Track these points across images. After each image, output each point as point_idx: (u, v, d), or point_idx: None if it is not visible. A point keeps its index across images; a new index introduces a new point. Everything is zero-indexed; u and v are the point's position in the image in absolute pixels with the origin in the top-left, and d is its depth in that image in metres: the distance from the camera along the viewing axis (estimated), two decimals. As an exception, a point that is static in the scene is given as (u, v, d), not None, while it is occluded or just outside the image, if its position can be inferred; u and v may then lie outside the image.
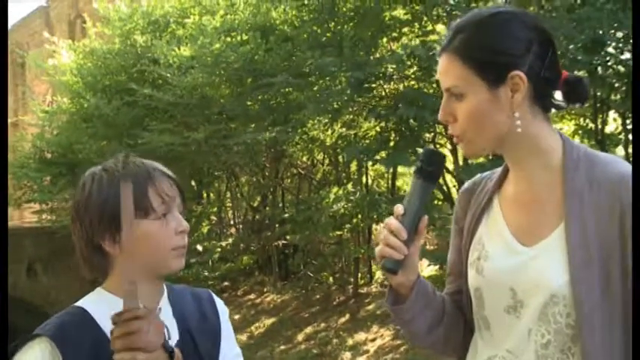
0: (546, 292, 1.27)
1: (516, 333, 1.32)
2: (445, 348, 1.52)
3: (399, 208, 1.37)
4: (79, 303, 1.44)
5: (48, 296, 14.90)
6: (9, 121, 19.67)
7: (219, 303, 1.62)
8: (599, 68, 6.40)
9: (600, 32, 5.83)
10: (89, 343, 1.35)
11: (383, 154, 8.15)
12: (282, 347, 9.31)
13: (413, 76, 8.28)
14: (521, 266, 1.32)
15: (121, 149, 11.06)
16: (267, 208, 13.08)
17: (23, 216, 18.75)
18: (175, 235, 1.42)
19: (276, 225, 12.55)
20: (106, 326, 1.33)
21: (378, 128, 8.90)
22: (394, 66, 7.74)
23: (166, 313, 1.47)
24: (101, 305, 1.40)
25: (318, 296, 10.90)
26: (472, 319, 1.46)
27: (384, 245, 1.34)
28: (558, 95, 1.38)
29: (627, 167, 1.30)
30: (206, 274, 10.96)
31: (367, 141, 9.08)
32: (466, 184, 1.56)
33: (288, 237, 11.71)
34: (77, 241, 1.44)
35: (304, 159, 12.18)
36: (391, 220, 1.36)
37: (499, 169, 1.48)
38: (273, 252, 12.36)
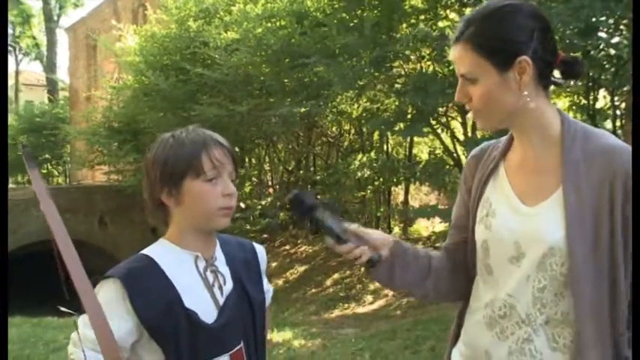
0: (545, 245, 1.29)
1: (516, 279, 1.34)
2: (437, 297, 1.57)
3: (329, 242, 1.43)
4: (145, 251, 1.44)
5: (115, 243, 15.17)
6: (83, 95, 19.87)
7: (260, 251, 1.62)
8: (592, 51, 6.28)
9: (593, 19, 5.73)
10: (154, 285, 1.35)
11: (401, 125, 8.08)
12: (313, 290, 9.37)
13: (428, 57, 8.12)
14: (524, 223, 1.34)
15: (175, 120, 11.20)
16: (301, 172, 13.12)
17: (95, 176, 19.04)
18: (222, 196, 1.42)
19: (309, 186, 12.54)
20: (169, 271, 1.37)
21: (397, 102, 8.76)
22: (408, 46, 7.63)
23: (221, 261, 1.49)
24: (164, 253, 1.41)
25: (343, 248, 10.90)
26: (471, 267, 1.49)
27: (353, 259, 1.42)
28: (556, 73, 1.39)
29: (617, 141, 1.33)
30: (248, 227, 10.98)
31: (387, 114, 8.96)
32: (474, 151, 1.57)
33: (318, 197, 11.71)
34: (144, 191, 1.46)
35: (333, 129, 12.10)
36: (337, 249, 1.43)
37: (504, 139, 1.49)
38: (306, 209, 12.35)
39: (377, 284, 8.62)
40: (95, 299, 1.14)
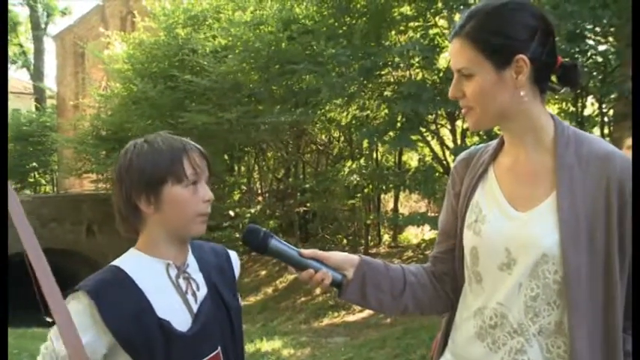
0: (538, 252, 1.25)
1: (507, 287, 1.30)
2: (418, 310, 1.49)
3: (293, 271, 1.42)
4: (115, 262, 1.41)
5: (103, 252, 14.99)
6: (71, 103, 19.74)
7: (234, 257, 1.59)
8: (580, 58, 6.31)
9: (581, 26, 5.76)
10: (124, 297, 1.32)
11: (391, 134, 8.08)
12: (303, 299, 9.30)
13: (417, 64, 8.12)
14: (516, 229, 1.30)
15: (164, 127, 11.10)
16: (290, 179, 13.07)
17: (83, 184, 18.88)
18: (202, 202, 1.40)
19: (298, 194, 12.54)
20: (140, 281, 1.34)
21: (386, 110, 8.75)
22: (399, 58, 7.65)
23: (193, 268, 1.45)
24: (134, 263, 1.38)
25: (334, 256, 10.85)
26: (458, 277, 1.44)
27: (319, 286, 1.42)
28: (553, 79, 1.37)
29: (611, 146, 1.31)
30: (237, 235, 10.92)
31: (377, 122, 8.95)
32: (462, 154, 1.53)
33: (308, 204, 11.73)
34: (117, 200, 1.42)
35: (322, 137, 12.08)
36: (301, 278, 1.41)
37: (494, 142, 1.45)
38: (295, 217, 12.36)
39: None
40: (66, 312, 1.11)
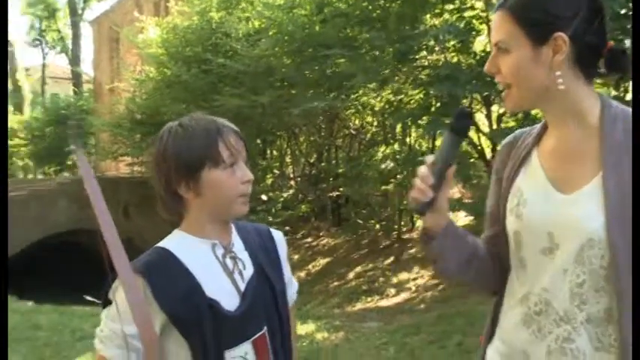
0: (583, 236, 1.20)
1: (551, 273, 1.25)
2: (475, 286, 1.50)
3: (429, 158, 1.33)
4: (161, 244, 1.41)
5: (140, 234, 15.18)
6: (107, 87, 19.96)
7: (277, 237, 1.58)
8: (623, 39, 6.07)
9: (626, 5, 5.53)
10: (174, 277, 1.32)
11: (425, 119, 7.93)
12: (336, 283, 9.27)
13: (452, 48, 7.94)
14: (559, 212, 1.24)
15: (197, 111, 11.03)
16: (323, 164, 13.04)
17: (119, 167, 19.13)
18: (241, 184, 1.39)
19: (330, 179, 12.52)
20: (187, 262, 1.34)
21: (421, 95, 8.59)
22: (434, 41, 7.48)
23: (239, 248, 1.45)
24: (180, 244, 1.38)
25: (366, 240, 10.81)
26: (508, 260, 1.39)
27: (414, 189, 1.32)
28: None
29: None
30: (270, 219, 10.91)
31: (412, 106, 8.79)
32: (507, 138, 1.47)
33: (340, 189, 11.67)
34: (157, 187, 1.42)
35: (355, 121, 11.95)
36: (421, 168, 1.32)
37: (538, 126, 1.40)
38: (328, 202, 12.34)
39: (400, 277, 8.52)
40: (138, 291, 1.17)
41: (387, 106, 9.87)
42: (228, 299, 1.37)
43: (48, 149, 22.91)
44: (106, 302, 1.37)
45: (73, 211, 14.75)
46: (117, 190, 15.44)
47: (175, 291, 1.30)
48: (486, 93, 7.39)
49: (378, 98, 9.58)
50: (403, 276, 8.57)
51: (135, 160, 15.39)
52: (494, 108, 8.16)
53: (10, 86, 32.27)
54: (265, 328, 1.42)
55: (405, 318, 6.59)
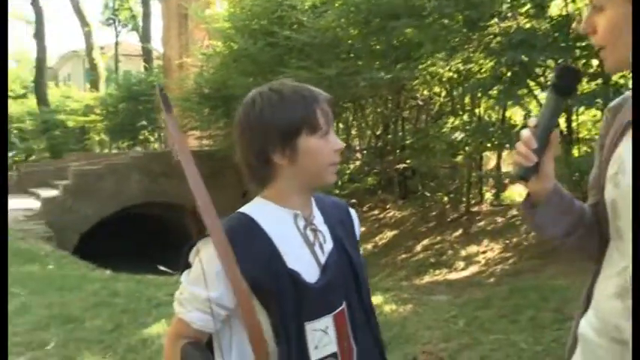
0: None
1: None
2: (580, 255, 1.43)
3: (532, 121, 1.28)
4: (243, 210, 1.39)
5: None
6: (176, 63, 20.30)
7: (353, 212, 1.57)
8: None
9: None
10: (255, 244, 1.31)
11: (496, 89, 7.67)
12: (403, 256, 9.20)
13: (526, 13, 7.59)
14: None
15: (264, 84, 11.07)
16: (389, 136, 12.86)
17: (188, 141, 19.51)
18: (333, 152, 1.38)
19: (397, 151, 12.39)
20: (269, 230, 1.32)
21: (492, 64, 8.29)
22: (508, 5, 7.17)
23: (319, 220, 1.44)
24: (262, 212, 1.36)
25: (433, 213, 10.65)
26: (609, 230, 1.32)
27: (516, 154, 1.28)
28: None
29: None
30: (336, 192, 10.92)
31: (482, 76, 8.51)
32: (613, 102, 1.38)
33: (407, 161, 11.50)
34: (245, 153, 1.39)
35: (423, 92, 11.70)
36: (524, 132, 1.28)
37: None
38: (394, 174, 12.21)
39: (469, 250, 8.36)
40: (224, 239, 1.19)
41: (455, 76, 9.61)
42: (308, 271, 1.35)
43: (121, 125, 23.65)
44: (186, 266, 1.36)
45: (145, 184, 15.22)
46: (186, 163, 15.77)
47: (257, 258, 1.29)
48: (561, 60, 7.05)
49: (447, 68, 9.32)
50: (472, 249, 8.41)
51: (203, 134, 15.64)
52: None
53: (86, 65, 33.43)
54: (344, 303, 1.40)
55: (474, 291, 6.46)
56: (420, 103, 12.20)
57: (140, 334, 5.31)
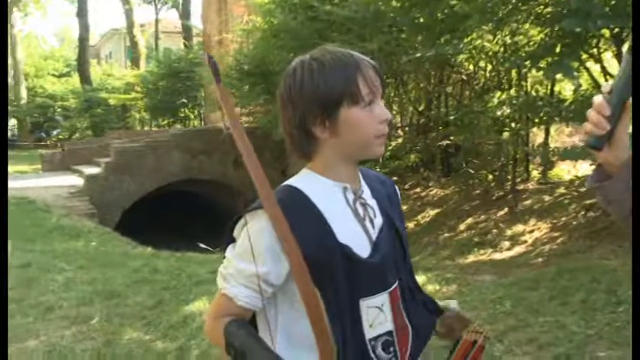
0: None
1: None
2: None
3: (605, 87, 1.22)
4: (290, 182, 1.37)
5: (249, 184, 15.53)
6: (215, 39, 20.36)
7: (396, 188, 1.55)
8: None
9: None
10: (305, 218, 1.28)
11: (545, 62, 7.39)
12: (446, 235, 9.07)
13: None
14: None
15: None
16: (432, 112, 12.64)
17: (238, 112, 19.57)
18: (379, 123, 1.33)
19: (440, 127, 12.17)
20: (318, 203, 1.30)
21: (542, 35, 8.01)
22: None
23: (367, 194, 1.41)
24: (311, 184, 1.34)
25: (477, 191, 10.47)
26: None
27: (587, 122, 1.22)
28: None
29: None
30: (378, 169, 10.82)
31: (531, 48, 8.23)
32: None
33: (450, 138, 11.30)
34: (287, 124, 1.36)
35: (469, 67, 11.43)
36: (596, 98, 1.21)
37: None
38: (437, 151, 12.04)
39: (515, 229, 8.18)
40: (278, 208, 1.16)
41: (502, 50, 9.34)
42: (360, 246, 1.31)
43: (161, 102, 23.87)
44: (230, 240, 1.35)
45: (185, 161, 15.38)
46: (227, 141, 15.81)
47: (308, 233, 1.25)
48: (618, 29, 6.75)
49: (494, 41, 9.06)
50: (518, 228, 8.23)
51: (243, 111, 15.68)
52: (627, 46, 7.46)
53: (127, 43, 33.85)
54: (397, 281, 1.38)
55: (521, 272, 6.32)
56: (465, 77, 11.96)
57: (181, 311, 5.38)
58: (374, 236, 1.36)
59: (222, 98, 1.23)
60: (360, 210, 1.37)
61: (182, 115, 24.71)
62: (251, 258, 1.24)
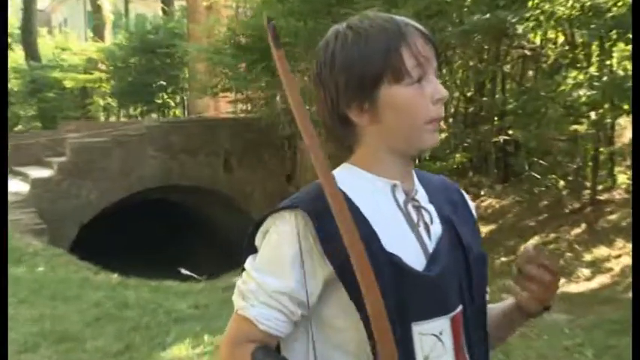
0: None
1: None
2: None
3: None
4: None
5: (243, 191, 15.65)
6: (204, 4, 20.46)
7: (465, 194, 1.60)
8: None
9: None
10: None
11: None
12: (503, 259, 9.01)
13: None
14: None
15: (318, 29, 11.00)
16: (485, 98, 12.62)
17: (219, 106, 19.66)
18: (431, 104, 1.37)
19: (495, 118, 12.14)
20: (361, 204, 1.34)
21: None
22: None
23: (423, 196, 1.46)
24: (352, 181, 1.38)
25: (545, 202, 10.41)
26: None
27: None
28: None
29: None
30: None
31: (618, 11, 8.14)
32: None
33: (509, 132, 11.29)
34: (321, 110, 1.43)
35: (535, 38, 11.35)
36: None
37: None
38: (491, 149, 12.04)
39: (596, 253, 8.10)
40: (338, 189, 1.17)
41: (579, 15, 9.24)
42: (412, 257, 1.35)
43: (133, 85, 23.92)
44: (250, 249, 1.39)
45: (164, 163, 15.40)
46: (216, 136, 15.89)
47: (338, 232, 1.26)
48: None
49: (568, 3, 8.99)
50: (600, 251, 8.15)
51: (239, 97, 15.72)
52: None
53: (88, 7, 34.05)
54: (460, 305, 1.40)
55: (605, 310, 6.29)
56: (528, 53, 11.90)
57: (156, 358, 5.34)
58: (430, 246, 1.39)
59: (282, 70, 1.26)
60: (413, 213, 1.41)
61: (159, 102, 24.81)
62: (276, 269, 1.31)
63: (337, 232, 1.22)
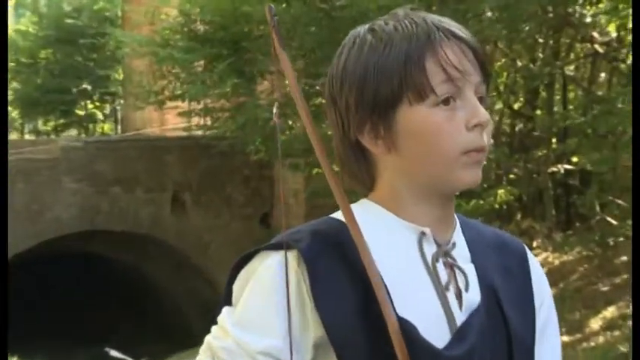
0: None
1: None
2: None
3: None
4: (336, 215, 1.44)
5: (200, 239, 15.62)
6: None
7: (533, 260, 1.60)
8: None
9: None
10: (348, 265, 1.36)
11: None
12: (565, 339, 9.06)
13: None
14: None
15: (310, 15, 11.02)
16: (539, 112, 12.76)
17: (166, 120, 19.63)
18: (466, 130, 1.39)
19: (553, 140, 12.30)
20: (375, 250, 1.34)
21: None
22: None
23: (462, 254, 1.48)
24: (369, 221, 1.39)
25: (624, 258, 10.47)
26: None
27: None
28: None
29: None
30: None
31: None
32: None
33: (573, 159, 11.44)
34: (333, 132, 1.48)
35: (610, 29, 11.56)
36: None
37: None
38: (548, 183, 12.12)
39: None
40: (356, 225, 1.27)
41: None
42: (432, 329, 1.37)
43: (43, 89, 23.74)
44: (229, 297, 1.43)
45: (88, 199, 15.38)
46: (160, 162, 15.92)
47: (347, 295, 1.34)
48: None
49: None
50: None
51: (194, 107, 15.76)
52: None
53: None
54: None
55: None
56: (600, 49, 12.02)
57: None
58: (459, 319, 1.41)
59: (287, 71, 1.35)
60: (443, 273, 1.43)
61: (81, 113, 24.81)
62: (258, 325, 1.34)
63: (337, 282, 1.34)
